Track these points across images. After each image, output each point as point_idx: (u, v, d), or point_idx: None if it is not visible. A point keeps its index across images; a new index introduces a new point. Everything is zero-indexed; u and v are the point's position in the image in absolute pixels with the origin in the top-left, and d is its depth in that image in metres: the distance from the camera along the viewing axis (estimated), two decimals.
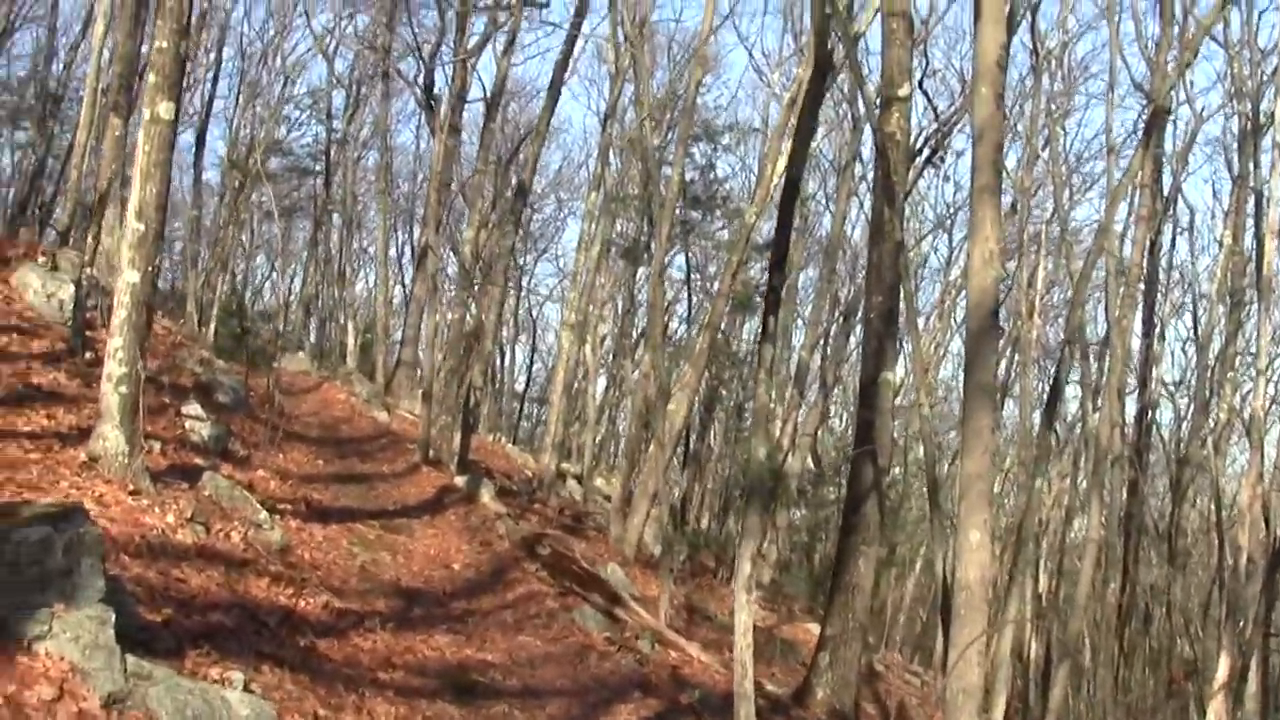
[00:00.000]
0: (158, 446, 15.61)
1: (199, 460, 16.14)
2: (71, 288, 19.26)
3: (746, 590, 11.85)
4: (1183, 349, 47.10)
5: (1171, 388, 41.91)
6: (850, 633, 16.83)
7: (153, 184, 13.72)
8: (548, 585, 18.17)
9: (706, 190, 38.34)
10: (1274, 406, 38.03)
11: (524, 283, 59.66)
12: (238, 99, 49.79)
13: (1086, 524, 26.02)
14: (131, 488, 12.91)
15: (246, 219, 49.29)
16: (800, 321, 42.92)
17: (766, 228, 32.83)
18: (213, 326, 40.93)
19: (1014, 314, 38.80)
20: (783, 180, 15.63)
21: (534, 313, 63.26)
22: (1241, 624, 25.62)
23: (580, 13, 29.45)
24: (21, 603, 7.83)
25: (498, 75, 31.79)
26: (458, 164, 38.09)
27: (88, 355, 17.41)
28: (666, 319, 43.88)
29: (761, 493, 13.08)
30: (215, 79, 46.35)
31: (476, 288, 32.54)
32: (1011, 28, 22.63)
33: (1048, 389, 33.69)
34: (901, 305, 16.83)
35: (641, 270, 39.88)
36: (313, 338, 53.63)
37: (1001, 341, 37.41)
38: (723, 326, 33.42)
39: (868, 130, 30.05)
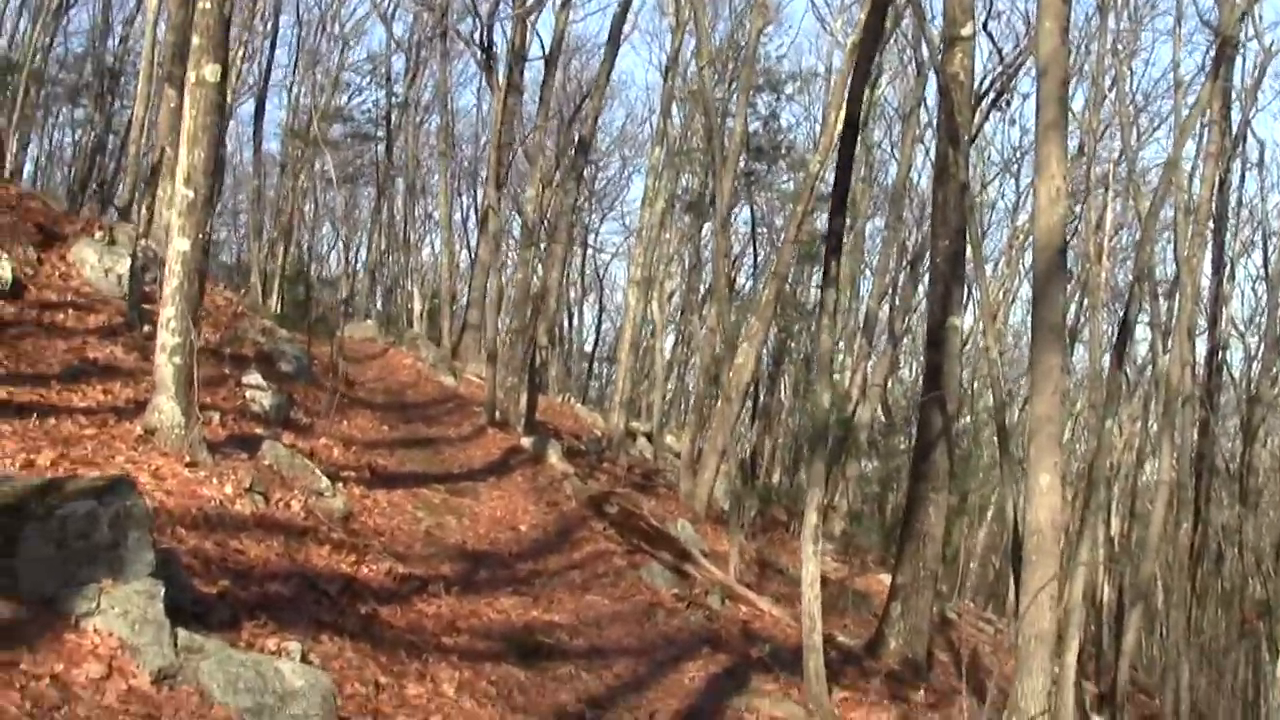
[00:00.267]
0: (216, 417, 15.48)
1: (259, 430, 16.00)
2: (128, 261, 19.12)
3: (813, 541, 11.60)
4: (1253, 287, 46.07)
5: (1242, 326, 41.28)
6: (921, 581, 16.54)
7: (200, 148, 13.52)
8: (615, 544, 17.96)
9: (770, 141, 37.95)
10: None
11: (590, 241, 59.44)
12: (295, 67, 49.78)
13: (1158, 466, 25.63)
14: (188, 459, 12.76)
15: (309, 188, 49.24)
16: (868, 271, 42.48)
17: (832, 177, 32.40)
18: (275, 296, 40.91)
19: (1082, 257, 38.25)
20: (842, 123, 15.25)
21: (601, 272, 63.07)
22: None
23: None
24: (69, 579, 7.67)
25: (556, 30, 31.55)
26: (520, 123, 37.77)
27: (145, 329, 17.24)
28: (733, 273, 43.66)
29: (825, 441, 12.80)
30: (273, 47, 46.34)
31: (540, 247, 32.32)
32: None
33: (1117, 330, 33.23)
34: (968, 249, 16.52)
35: (707, 225, 39.44)
36: (379, 305, 53.66)
37: (1070, 284, 36.91)
38: (789, 278, 33.01)
39: (932, 77, 29.52)
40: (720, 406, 26.35)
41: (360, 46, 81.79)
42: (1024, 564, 9.17)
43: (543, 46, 33.64)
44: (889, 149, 44.43)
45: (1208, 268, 33.20)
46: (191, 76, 13.66)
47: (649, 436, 36.98)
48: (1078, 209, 36.95)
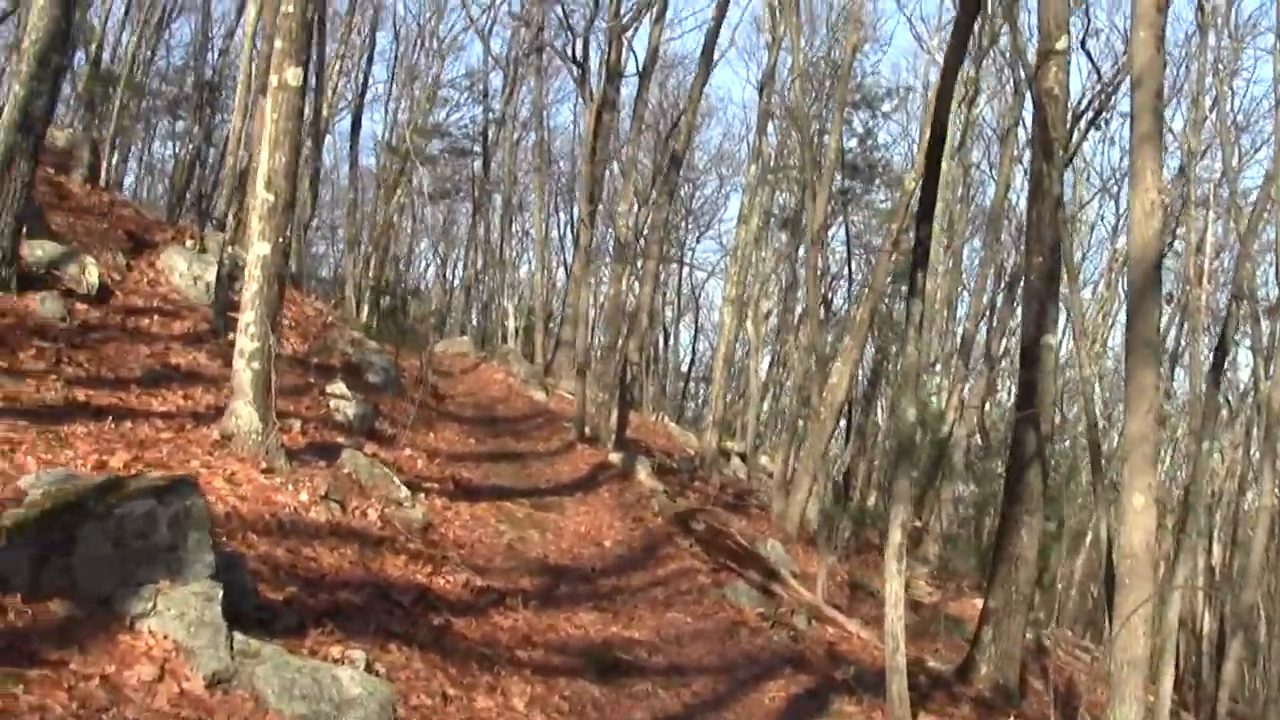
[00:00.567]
0: (297, 425, 15.42)
1: (341, 439, 15.90)
2: (216, 268, 19.12)
3: (897, 559, 11.22)
4: None
5: None
6: (1014, 606, 16.08)
7: (281, 152, 13.43)
8: (701, 561, 17.66)
9: (866, 159, 37.59)
10: None
11: (686, 260, 59.21)
12: (391, 82, 50.00)
13: (1259, 492, 24.92)
14: (264, 465, 12.66)
15: (406, 203, 49.37)
16: (965, 293, 41.93)
17: None
18: (367, 308, 41.00)
19: (1183, 280, 37.47)
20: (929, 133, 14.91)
21: (697, 291, 62.76)
22: None
23: None
24: (126, 579, 7.50)
25: (650, 46, 31.26)
26: (614, 139, 37.63)
27: (230, 335, 17.15)
28: (829, 293, 43.22)
29: (911, 458, 12.42)
30: (369, 62, 46.48)
31: (637, 264, 32.12)
32: None
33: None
34: (1063, 266, 16.12)
35: (803, 245, 39.20)
36: (475, 321, 53.67)
37: (1170, 307, 36.20)
38: (885, 297, 32.57)
39: (1030, 95, 29.05)
40: (813, 425, 25.99)
41: (458, 62, 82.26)
42: (1116, 587, 8.85)
43: (637, 62, 33.35)
44: (987, 169, 43.87)
45: None
46: (273, 80, 13.59)
47: (743, 456, 36.65)
48: (1178, 231, 36.22)
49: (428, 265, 64.93)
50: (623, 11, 34.30)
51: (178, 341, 16.89)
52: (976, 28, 31.23)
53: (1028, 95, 31.61)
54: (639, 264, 31.72)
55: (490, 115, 49.21)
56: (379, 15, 46.80)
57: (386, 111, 50.14)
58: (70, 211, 20.83)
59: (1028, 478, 16.12)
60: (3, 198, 14.88)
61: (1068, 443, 38.01)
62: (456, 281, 58.50)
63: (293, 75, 13.47)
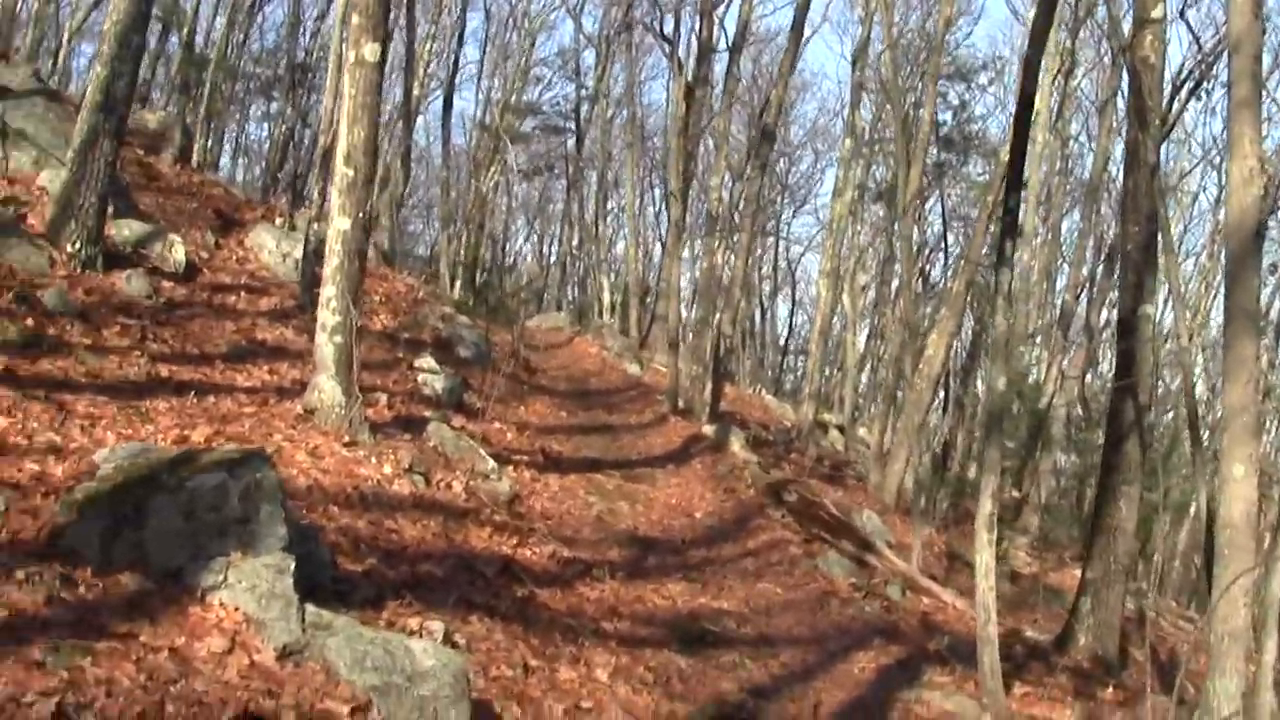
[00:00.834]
0: (384, 399, 15.40)
1: (428, 413, 15.84)
2: (303, 245, 19.15)
3: (988, 529, 10.98)
4: None
5: None
6: (1113, 576, 15.71)
7: (360, 127, 13.37)
8: (793, 532, 17.45)
9: (961, 131, 37.13)
10: None
11: (781, 235, 58.83)
12: (483, 61, 49.97)
13: None
14: (347, 439, 12.63)
15: (500, 181, 49.40)
16: (1065, 265, 41.30)
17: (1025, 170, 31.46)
18: (460, 284, 41.04)
19: None
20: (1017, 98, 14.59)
21: (793, 265, 62.37)
22: None
23: None
24: (197, 551, 7.44)
25: (740, 19, 30.95)
26: (707, 115, 37.33)
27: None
28: (928, 266, 42.76)
29: (1000, 426, 12.15)
30: (460, 40, 46.34)
31: (732, 238, 31.92)
32: None
33: None
34: (1160, 235, 15.78)
35: (898, 218, 38.77)
36: (572, 297, 53.68)
37: (1272, 276, 35.44)
38: (981, 269, 32.14)
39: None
40: (909, 397, 25.68)
41: (550, 41, 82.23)
42: (1216, 558, 8.65)
43: (727, 38, 33.00)
44: (1085, 141, 43.16)
45: None
46: (351, 56, 13.52)
47: (841, 428, 36.36)
48: None
49: (524, 242, 65.05)
50: None
51: (264, 317, 16.91)
52: None
53: (1125, 66, 31.19)
54: (733, 237, 31.53)
55: (583, 93, 49.10)
56: None
57: (478, 90, 50.14)
58: (159, 192, 20.94)
59: (1126, 447, 15.76)
60: (87, 178, 14.93)
61: (1170, 414, 37.38)
62: (553, 258, 58.57)
63: (370, 51, 13.40)
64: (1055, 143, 35.04)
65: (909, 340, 24.77)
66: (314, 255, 18.22)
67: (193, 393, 12.24)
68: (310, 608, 7.42)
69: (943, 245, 44.07)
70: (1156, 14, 16.43)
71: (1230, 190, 9.11)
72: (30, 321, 12.16)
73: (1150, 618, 22.13)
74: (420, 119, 50.31)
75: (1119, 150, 37.88)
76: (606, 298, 46.68)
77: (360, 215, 13.42)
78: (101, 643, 6.38)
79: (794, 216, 63.74)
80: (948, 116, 37.11)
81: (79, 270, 14.58)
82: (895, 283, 41.44)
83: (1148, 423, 16.07)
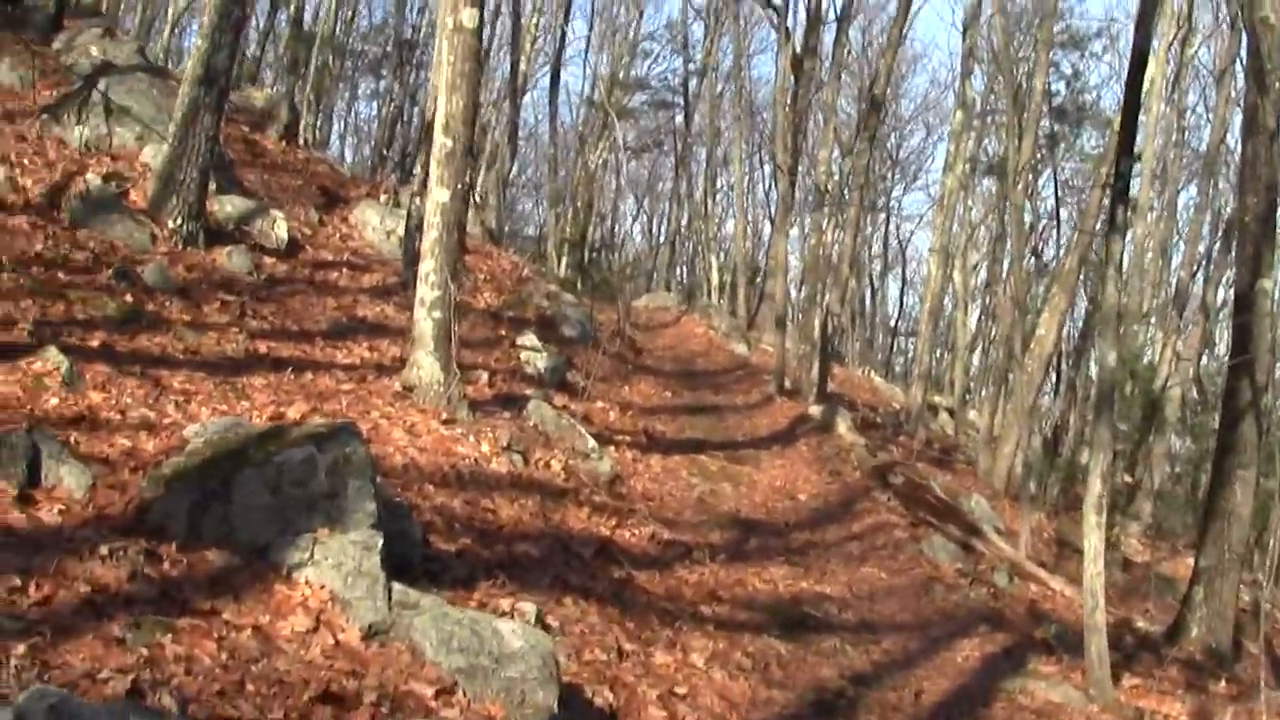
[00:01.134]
0: (485, 376, 15.27)
1: (529, 391, 15.69)
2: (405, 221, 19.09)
3: (1097, 511, 10.64)
4: None
5: None
6: (1227, 564, 15.21)
7: (459, 96, 13.20)
8: (899, 516, 17.13)
9: (1074, 101, 36.45)
10: None
11: (892, 211, 58.23)
12: (590, 35, 49.84)
13: None
14: (445, 416, 12.49)
15: (608, 159, 49.27)
16: (1180, 242, 40.42)
17: (1139, 142, 30.78)
18: (565, 262, 40.96)
19: None
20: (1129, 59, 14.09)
21: (904, 244, 61.74)
22: None
23: None
24: (284, 528, 7.31)
25: None
26: (817, 87, 36.91)
27: None
28: (1039, 244, 42.04)
29: (1111, 404, 11.76)
30: (567, 15, 46.19)
31: (840, 214, 31.58)
32: None
33: None
34: None
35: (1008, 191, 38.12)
36: (680, 276, 53.48)
37: None
38: (1095, 243, 31.52)
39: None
40: (1019, 379, 25.23)
41: (659, 14, 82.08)
42: None
43: (835, 7, 32.65)
44: (1203, 113, 42.17)
45: None
46: (449, 22, 13.34)
47: (951, 411, 35.87)
48: None
49: (633, 220, 64.89)
50: None
51: (366, 294, 16.86)
52: None
53: (1243, 28, 30.39)
54: (841, 214, 31.18)
55: (691, 67, 48.80)
56: None
57: (585, 65, 49.97)
58: (264, 168, 20.99)
59: (1242, 429, 15.27)
60: (188, 152, 14.93)
61: None
62: (662, 237, 58.35)
63: (468, 16, 13.21)
64: (1171, 114, 34.24)
65: (1019, 319, 24.28)
66: (416, 231, 18.13)
67: (290, 369, 12.17)
68: (397, 586, 7.27)
69: (1055, 221, 43.33)
70: None
71: None
72: (129, 297, 12.14)
73: (1266, 609, 21.57)
74: (528, 97, 50.33)
75: (1238, 121, 37.12)
76: (715, 277, 46.38)
77: (459, 186, 13.27)
78: (183, 620, 6.27)
79: (905, 193, 62.92)
80: (1061, 86, 36.51)
81: (180, 246, 14.58)
82: (1007, 261, 40.82)
83: (1265, 403, 15.55)
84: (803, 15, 33.76)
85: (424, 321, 13.02)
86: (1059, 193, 42.12)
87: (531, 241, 49.02)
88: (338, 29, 39.86)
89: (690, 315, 34.98)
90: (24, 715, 4.52)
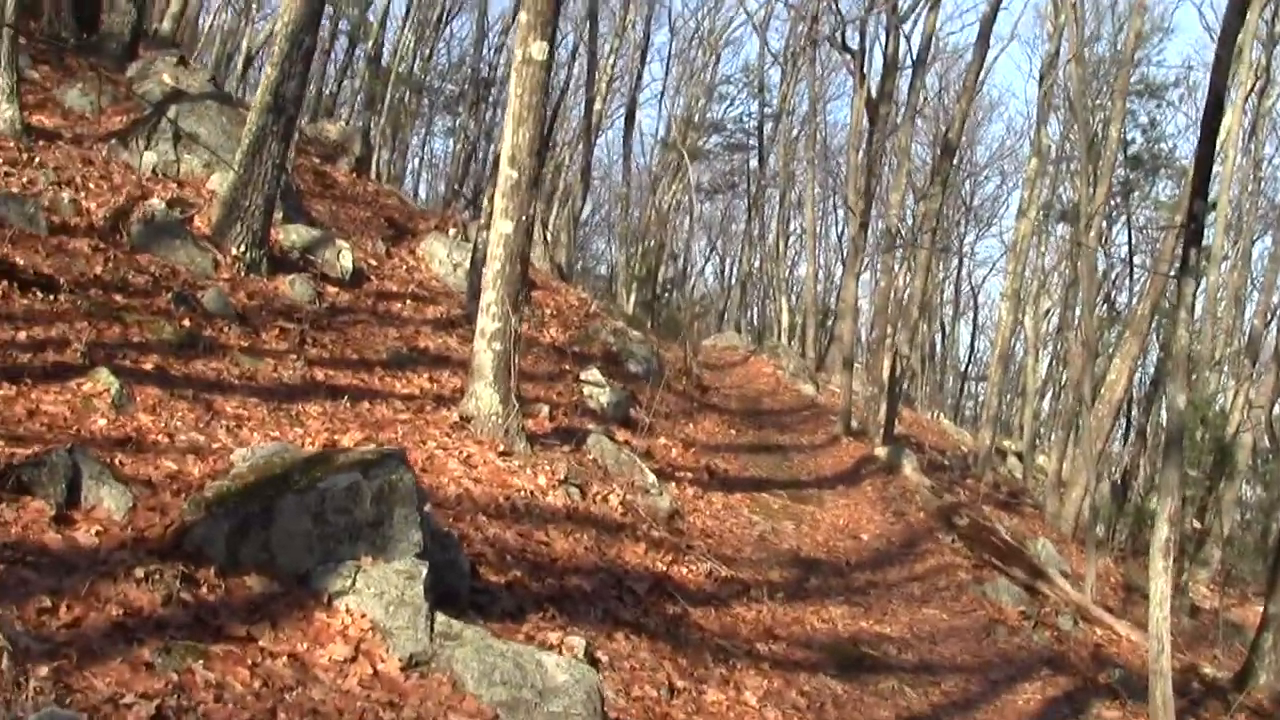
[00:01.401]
0: (546, 410, 15.13)
1: (591, 425, 15.52)
2: (471, 253, 19.05)
3: (1164, 556, 10.34)
4: None
5: None
6: None
7: (525, 128, 13.11)
8: (962, 558, 16.87)
9: (1150, 150, 36.11)
10: None
11: (964, 257, 57.90)
12: (666, 77, 49.93)
13: None
14: (502, 448, 12.37)
15: (681, 199, 49.23)
16: (1254, 291, 39.90)
17: (1214, 191, 30.39)
18: (633, 299, 40.88)
19: None
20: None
21: (976, 289, 61.35)
22: None
23: None
24: (326, 555, 7.22)
25: (925, 33, 30.41)
26: (895, 134, 36.75)
27: None
28: (1114, 291, 41.63)
29: (1180, 447, 11.46)
30: (644, 56, 46.24)
31: (903, 253, 31.33)
32: None
33: None
34: None
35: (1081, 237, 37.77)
36: (751, 317, 53.29)
37: None
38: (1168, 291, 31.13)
39: None
40: (1088, 423, 24.88)
41: (737, 57, 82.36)
42: None
43: (910, 51, 32.40)
44: None
45: None
46: (518, 55, 13.28)
47: (1020, 456, 35.51)
48: None
49: (705, 261, 64.85)
50: (901, 4, 33.37)
51: (429, 325, 16.80)
52: (1269, 13, 29.66)
53: None
54: (913, 258, 30.92)
55: (767, 110, 48.67)
56: (653, 9, 46.41)
57: (661, 106, 50.06)
58: (333, 200, 21.05)
59: None
60: (254, 180, 14.93)
61: None
62: (733, 278, 58.23)
63: (538, 49, 13.12)
64: (1247, 164, 33.88)
65: (1089, 363, 23.94)
66: (481, 264, 18.09)
67: (346, 398, 12.08)
68: (440, 617, 7.15)
69: (1129, 268, 42.91)
70: None
71: None
72: (187, 322, 12.07)
73: None
74: (603, 136, 50.45)
75: None
76: (785, 319, 46.22)
77: (523, 219, 13.14)
78: (217, 646, 6.17)
79: (979, 239, 62.46)
80: (1137, 134, 36.16)
81: (242, 273, 14.55)
82: (1079, 306, 40.42)
83: None
84: (879, 61, 33.64)
85: (484, 353, 12.91)
86: (1133, 240, 41.77)
87: (603, 280, 49.03)
88: (415, 66, 40.10)
89: (759, 355, 34.81)
90: None
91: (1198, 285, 11.63)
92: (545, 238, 33.17)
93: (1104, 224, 33.68)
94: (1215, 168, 27.20)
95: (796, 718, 9.44)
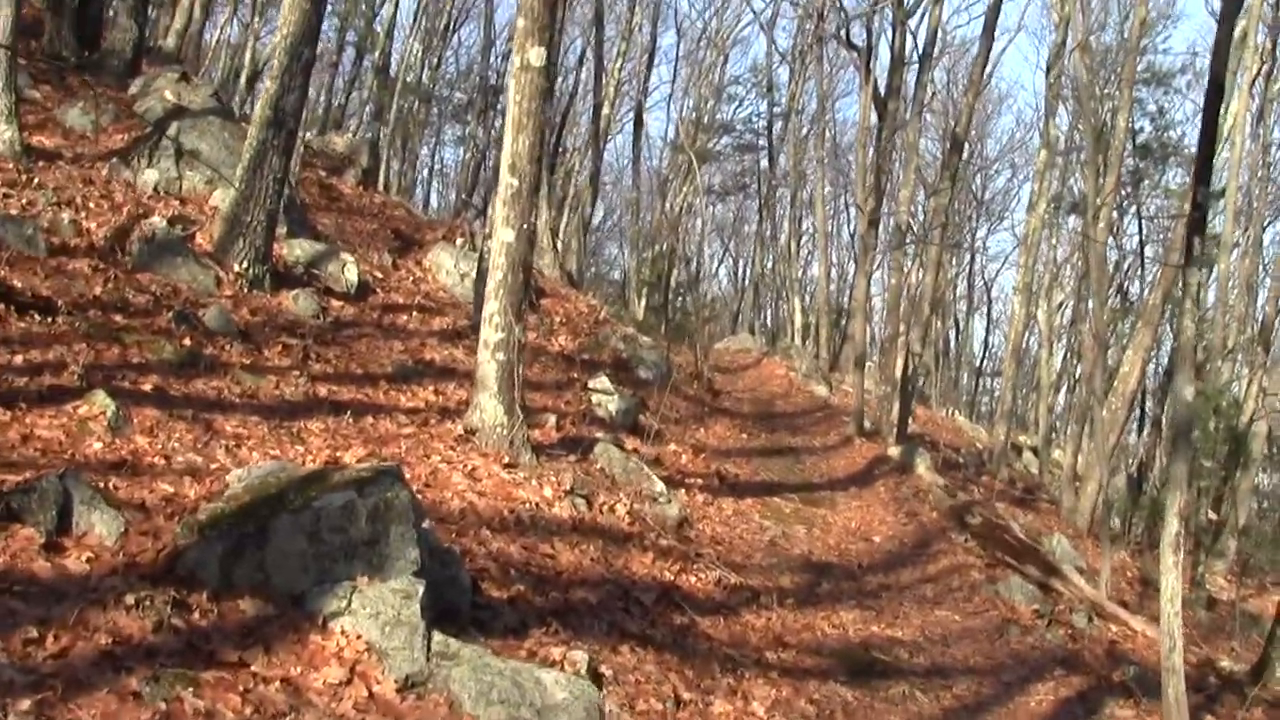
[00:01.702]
0: (553, 420, 15.06)
1: (600, 434, 15.40)
2: (477, 263, 18.99)
3: (1173, 550, 10.22)
4: None
5: None
6: None
7: (525, 135, 13.04)
8: (975, 557, 16.74)
9: (1158, 139, 35.93)
10: None
11: (976, 251, 57.76)
12: (674, 79, 49.93)
13: None
14: (507, 460, 12.28)
15: (692, 201, 49.17)
16: (1265, 275, 39.66)
17: (1223, 178, 30.24)
18: (644, 304, 40.83)
19: None
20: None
21: (989, 284, 61.19)
22: None
23: None
24: (321, 576, 7.14)
25: (930, 28, 30.33)
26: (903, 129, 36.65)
27: None
28: (1126, 281, 41.46)
29: (1189, 440, 11.34)
30: (651, 59, 46.22)
31: (915, 250, 31.26)
32: None
33: None
34: None
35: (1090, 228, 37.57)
36: (764, 319, 53.21)
37: None
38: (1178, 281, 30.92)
39: None
40: (1100, 416, 24.75)
41: (745, 57, 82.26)
42: None
43: (916, 46, 32.32)
44: None
45: None
46: (516, 61, 13.21)
47: (1035, 451, 35.38)
48: None
49: (718, 263, 64.78)
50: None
51: (434, 337, 16.74)
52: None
53: None
54: (923, 253, 30.82)
55: (775, 110, 48.59)
56: (659, 11, 46.37)
57: (670, 108, 50.05)
58: (339, 212, 21.01)
59: None
60: (256, 195, 14.89)
61: None
62: (746, 280, 58.15)
63: (536, 55, 13.04)
64: (1256, 149, 33.66)
65: (1100, 356, 23.81)
66: (487, 274, 18.06)
67: (349, 413, 12.01)
68: (438, 636, 7.07)
69: (1140, 258, 42.74)
70: None
71: None
72: (188, 340, 12.02)
73: None
74: (613, 141, 50.43)
75: None
76: (798, 319, 46.11)
77: (525, 226, 13.07)
78: (209, 672, 6.10)
79: (990, 233, 62.40)
80: (1145, 123, 35.99)
81: (245, 289, 14.50)
82: (1090, 300, 40.22)
83: None
84: (886, 56, 33.52)
85: (487, 364, 12.84)
86: (1144, 230, 41.55)
87: (616, 285, 48.97)
88: (423, 75, 40.07)
89: (771, 357, 34.77)
90: None
91: (1204, 274, 11.49)
92: (556, 245, 33.13)
93: (1115, 214, 33.47)
94: (1224, 154, 27.14)
95: None
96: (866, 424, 25.17)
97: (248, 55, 33.01)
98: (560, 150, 39.97)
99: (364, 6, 37.23)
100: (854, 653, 11.77)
